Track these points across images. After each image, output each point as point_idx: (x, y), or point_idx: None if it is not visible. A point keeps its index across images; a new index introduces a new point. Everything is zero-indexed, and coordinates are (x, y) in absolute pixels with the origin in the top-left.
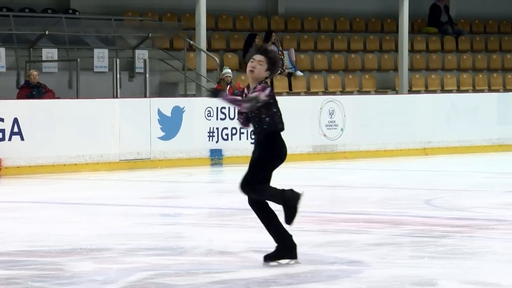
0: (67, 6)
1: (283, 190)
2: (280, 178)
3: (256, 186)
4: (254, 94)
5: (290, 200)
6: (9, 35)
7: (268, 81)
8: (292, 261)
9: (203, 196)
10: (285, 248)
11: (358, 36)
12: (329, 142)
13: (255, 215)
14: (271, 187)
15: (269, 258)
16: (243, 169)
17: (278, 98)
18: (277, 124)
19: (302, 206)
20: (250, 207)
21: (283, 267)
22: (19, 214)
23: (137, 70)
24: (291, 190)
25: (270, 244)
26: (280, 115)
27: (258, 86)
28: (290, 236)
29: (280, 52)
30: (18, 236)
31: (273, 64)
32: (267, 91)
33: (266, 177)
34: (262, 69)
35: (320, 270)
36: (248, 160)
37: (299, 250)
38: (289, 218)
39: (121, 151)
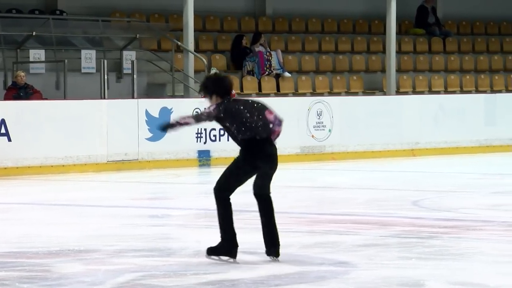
0: (55, 7)
1: (226, 238)
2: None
3: (218, 200)
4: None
5: (222, 247)
6: None
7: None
8: (231, 259)
9: (191, 197)
10: (229, 245)
11: (345, 37)
12: (317, 143)
13: (243, 216)
14: (224, 219)
15: (211, 251)
16: None
17: (266, 99)
18: (248, 133)
19: (291, 207)
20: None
21: (271, 268)
22: (7, 215)
23: (124, 71)
24: (230, 246)
25: (257, 244)
26: (250, 124)
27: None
28: (235, 235)
29: (268, 53)
30: (6, 238)
31: (207, 88)
32: (211, 107)
33: (236, 185)
34: (209, 101)
35: (308, 271)
36: None
37: (287, 251)
38: (212, 251)
39: (109, 152)
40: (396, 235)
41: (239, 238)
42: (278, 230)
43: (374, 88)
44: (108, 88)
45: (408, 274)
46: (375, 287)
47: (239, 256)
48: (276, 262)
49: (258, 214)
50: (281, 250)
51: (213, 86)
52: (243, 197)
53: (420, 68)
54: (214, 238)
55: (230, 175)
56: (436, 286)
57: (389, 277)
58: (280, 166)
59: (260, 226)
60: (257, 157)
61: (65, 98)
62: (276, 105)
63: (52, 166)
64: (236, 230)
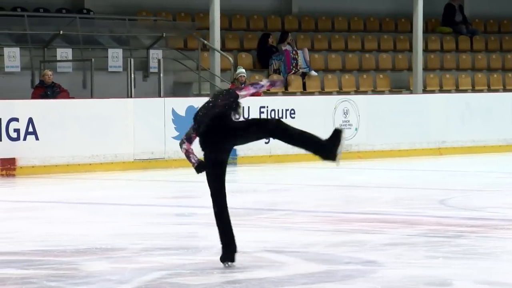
0: (81, 6)
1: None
2: (295, 178)
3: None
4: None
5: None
6: (24, 35)
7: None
8: (229, 264)
9: None
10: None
11: (372, 35)
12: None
13: (269, 215)
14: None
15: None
16: (257, 169)
17: (292, 98)
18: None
19: (317, 206)
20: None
21: (298, 267)
22: (34, 214)
23: (151, 70)
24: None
25: (283, 243)
26: (196, 116)
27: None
28: (233, 237)
29: (294, 52)
30: (33, 236)
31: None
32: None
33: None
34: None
35: (335, 270)
36: (262, 159)
37: (313, 250)
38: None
39: (135, 151)
40: (423, 234)
41: (264, 237)
42: (305, 228)
43: (400, 87)
44: (134, 87)
45: (435, 274)
46: (401, 286)
47: (264, 254)
48: (304, 257)
49: (284, 212)
50: (307, 249)
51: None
52: (269, 196)
53: (447, 67)
54: (240, 236)
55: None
56: (463, 285)
57: (416, 276)
58: (306, 164)
59: (285, 225)
60: (205, 147)
61: (91, 97)
62: (302, 104)
63: (78, 164)
64: (262, 229)
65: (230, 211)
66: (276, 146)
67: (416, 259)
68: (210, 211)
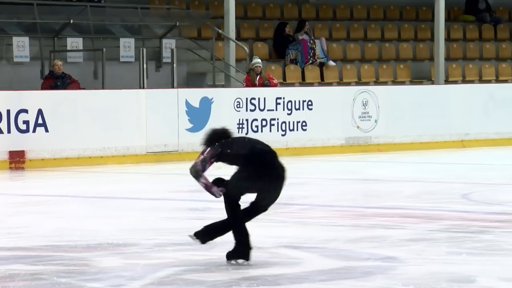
0: None
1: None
2: (313, 172)
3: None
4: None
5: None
6: (33, 24)
7: None
8: (245, 262)
9: None
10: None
11: (392, 24)
12: (363, 134)
13: (286, 210)
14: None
15: (229, 256)
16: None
17: (309, 88)
18: (243, 151)
19: (335, 200)
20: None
21: (315, 263)
22: (44, 208)
23: (164, 60)
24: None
25: (301, 239)
26: (243, 143)
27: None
28: (248, 234)
29: (311, 41)
30: (43, 231)
31: (206, 142)
32: (206, 150)
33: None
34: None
35: (354, 267)
36: (278, 152)
37: (331, 245)
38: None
39: (148, 144)
40: (445, 230)
41: (280, 233)
42: (323, 223)
43: (421, 77)
44: (147, 78)
45: (458, 270)
46: (423, 283)
47: (280, 250)
48: (321, 253)
49: (301, 207)
50: (325, 244)
51: (208, 140)
52: (286, 190)
53: (470, 56)
54: (256, 232)
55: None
56: (487, 282)
57: (438, 273)
58: (324, 157)
59: (303, 220)
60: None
61: (103, 87)
62: (320, 95)
63: (90, 157)
64: (279, 224)
65: (245, 205)
66: (293, 138)
67: (438, 255)
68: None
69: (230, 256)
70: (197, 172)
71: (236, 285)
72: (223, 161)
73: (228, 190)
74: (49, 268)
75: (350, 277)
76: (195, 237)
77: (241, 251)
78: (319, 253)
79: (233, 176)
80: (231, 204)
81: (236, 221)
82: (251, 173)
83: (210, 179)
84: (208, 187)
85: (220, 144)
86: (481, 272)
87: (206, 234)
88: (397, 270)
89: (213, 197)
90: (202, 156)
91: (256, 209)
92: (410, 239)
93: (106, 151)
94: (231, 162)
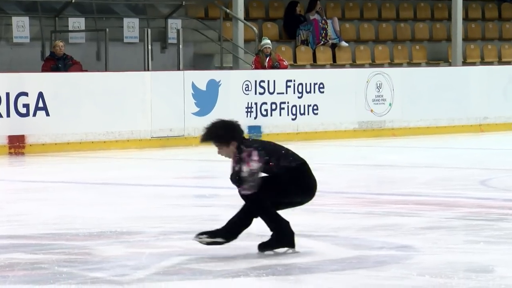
0: None
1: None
2: (324, 157)
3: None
4: (244, 170)
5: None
6: (33, 3)
7: None
8: (290, 250)
9: None
10: (280, 236)
11: (407, 3)
12: (376, 118)
13: None
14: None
15: (263, 247)
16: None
17: (321, 71)
18: (289, 163)
19: (347, 187)
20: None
21: (327, 252)
22: (45, 195)
23: (169, 41)
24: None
25: (312, 227)
26: (285, 155)
27: (242, 155)
28: (287, 222)
29: (323, 21)
30: (44, 219)
31: (225, 135)
32: (254, 156)
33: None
34: (226, 149)
35: (367, 256)
36: (288, 137)
37: (343, 234)
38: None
39: (153, 128)
40: (462, 217)
41: (293, 221)
42: (335, 211)
43: (438, 59)
44: (152, 59)
45: (476, 259)
46: (439, 273)
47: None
48: (333, 241)
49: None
50: (337, 233)
51: (231, 132)
52: None
53: (489, 37)
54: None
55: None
56: (506, 272)
57: (455, 263)
58: (336, 142)
59: (313, 208)
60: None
61: (106, 69)
62: (332, 77)
63: (92, 142)
64: (288, 211)
65: None
66: (304, 123)
67: (454, 244)
68: (232, 193)
69: (266, 246)
70: (258, 186)
71: (244, 275)
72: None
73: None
74: (50, 257)
75: (363, 267)
76: (212, 237)
77: (282, 239)
78: (330, 241)
79: (267, 182)
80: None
81: (266, 210)
82: (288, 189)
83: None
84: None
85: (264, 151)
86: (500, 261)
87: (230, 231)
88: (412, 260)
89: (220, 184)
90: (256, 165)
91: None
92: (426, 227)
93: (109, 135)
94: (269, 172)
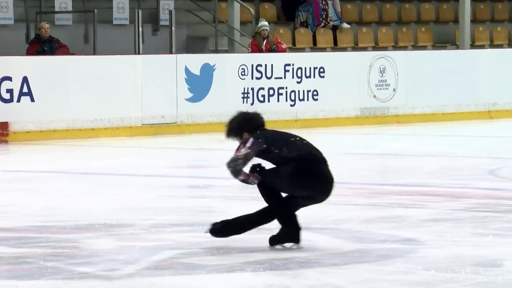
0: None
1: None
2: (325, 146)
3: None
4: (231, 156)
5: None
6: None
7: None
8: (295, 245)
9: None
10: (286, 230)
11: None
12: (380, 105)
13: None
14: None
15: (273, 241)
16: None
17: (321, 54)
18: (293, 154)
19: (349, 177)
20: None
21: (328, 246)
22: (30, 185)
23: (161, 23)
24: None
25: (311, 219)
26: (290, 144)
27: (240, 143)
28: (295, 216)
29: (324, 2)
30: (29, 210)
31: (237, 128)
32: (248, 143)
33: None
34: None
35: (369, 249)
36: (287, 124)
37: (345, 226)
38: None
39: (144, 115)
40: (470, 209)
41: None
42: (335, 202)
43: (445, 42)
44: (143, 42)
45: (484, 253)
46: (445, 267)
47: None
48: (334, 234)
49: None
50: (338, 225)
51: (243, 123)
52: None
53: (499, 18)
54: None
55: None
56: None
57: (462, 256)
58: (337, 130)
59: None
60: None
61: (94, 53)
62: (333, 61)
63: (80, 130)
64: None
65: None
66: (303, 109)
67: (461, 237)
68: (228, 183)
69: (275, 240)
70: (238, 172)
71: (240, 270)
72: (263, 158)
73: (265, 182)
74: (35, 251)
75: (365, 261)
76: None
77: (289, 233)
78: (331, 234)
79: (278, 174)
80: (269, 191)
81: (279, 204)
82: (302, 182)
83: None
84: (245, 180)
85: (265, 139)
86: (509, 255)
87: (241, 226)
88: (417, 253)
89: (215, 173)
90: (244, 151)
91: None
92: (432, 219)
93: (98, 122)
94: (273, 162)
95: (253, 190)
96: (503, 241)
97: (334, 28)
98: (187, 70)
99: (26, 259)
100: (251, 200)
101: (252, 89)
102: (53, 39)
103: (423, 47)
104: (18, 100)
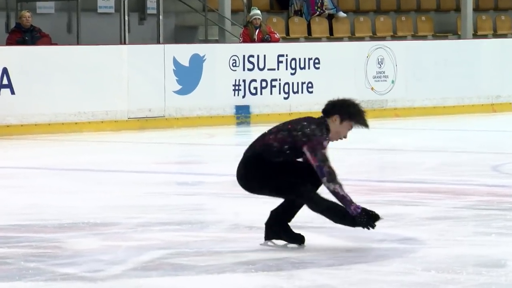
0: None
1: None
2: None
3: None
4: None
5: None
6: None
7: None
8: (291, 245)
9: (227, 161)
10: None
11: None
12: (378, 97)
13: None
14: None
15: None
16: None
17: (316, 44)
18: None
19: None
20: None
21: (323, 245)
22: (10, 182)
23: (148, 11)
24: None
25: (306, 218)
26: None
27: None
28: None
29: None
30: (9, 208)
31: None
32: (320, 144)
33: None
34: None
35: (366, 249)
36: (281, 118)
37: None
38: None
39: (130, 108)
40: (472, 207)
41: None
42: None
43: (446, 31)
44: (129, 32)
45: (487, 253)
46: (446, 268)
47: None
48: (329, 233)
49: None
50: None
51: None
52: None
53: (502, 6)
54: (254, 209)
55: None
56: None
57: (464, 256)
58: None
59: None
60: None
61: (78, 43)
62: (328, 51)
63: (63, 124)
64: (279, 200)
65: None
66: (297, 102)
67: (463, 236)
68: (218, 180)
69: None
70: (341, 186)
71: (231, 271)
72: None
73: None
74: (16, 251)
75: (362, 261)
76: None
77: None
78: (326, 233)
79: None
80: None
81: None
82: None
83: None
84: (347, 201)
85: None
86: None
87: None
88: (416, 253)
89: (205, 170)
90: (325, 157)
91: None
92: (432, 217)
93: (81, 116)
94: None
95: None
96: (507, 240)
97: (330, 17)
98: (175, 61)
99: (6, 260)
100: (243, 197)
101: (244, 81)
102: (34, 29)
103: (423, 37)
104: None
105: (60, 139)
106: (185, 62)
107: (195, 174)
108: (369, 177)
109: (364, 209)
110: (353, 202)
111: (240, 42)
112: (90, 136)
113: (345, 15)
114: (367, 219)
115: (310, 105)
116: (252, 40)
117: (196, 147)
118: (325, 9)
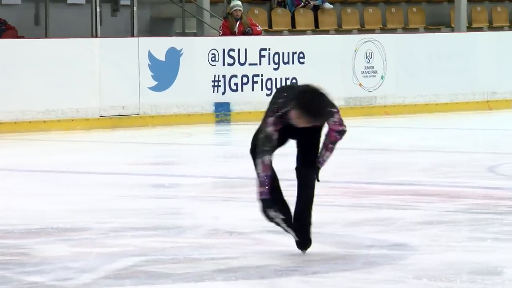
0: None
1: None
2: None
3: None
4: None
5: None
6: None
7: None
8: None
9: (206, 162)
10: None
11: None
12: (366, 94)
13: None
14: None
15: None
16: (256, 128)
17: (301, 37)
18: None
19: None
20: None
21: (308, 251)
22: None
23: (122, 2)
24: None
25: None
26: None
27: None
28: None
29: None
30: None
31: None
32: (270, 116)
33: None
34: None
35: (354, 255)
36: (262, 116)
37: (328, 230)
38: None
39: (102, 105)
40: (467, 210)
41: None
42: (317, 203)
43: (439, 24)
44: (101, 24)
45: (482, 259)
46: (439, 275)
47: (265, 235)
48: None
49: (290, 183)
50: (320, 228)
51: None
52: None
53: None
54: (235, 213)
55: None
56: None
57: (458, 263)
58: None
59: (292, 199)
60: None
61: (46, 36)
62: (314, 45)
63: (30, 122)
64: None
65: (222, 180)
66: None
67: (457, 242)
68: (197, 182)
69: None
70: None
71: (209, 279)
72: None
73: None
74: None
75: (350, 269)
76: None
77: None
78: (312, 239)
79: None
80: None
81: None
82: None
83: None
84: (258, 180)
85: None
86: (509, 261)
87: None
88: (407, 260)
89: (182, 171)
90: (261, 129)
91: None
92: (424, 221)
93: (50, 114)
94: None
95: (225, 190)
96: (503, 246)
97: (315, 9)
98: (150, 55)
99: None
100: (223, 201)
101: (224, 76)
102: (0, 21)
103: (415, 30)
104: None
105: (27, 138)
106: (161, 57)
107: (171, 175)
108: (357, 179)
109: (266, 202)
110: (264, 186)
111: (219, 35)
112: (60, 136)
113: (331, 6)
114: (265, 210)
115: None
116: (233, 33)
117: (173, 147)
118: (310, 0)
